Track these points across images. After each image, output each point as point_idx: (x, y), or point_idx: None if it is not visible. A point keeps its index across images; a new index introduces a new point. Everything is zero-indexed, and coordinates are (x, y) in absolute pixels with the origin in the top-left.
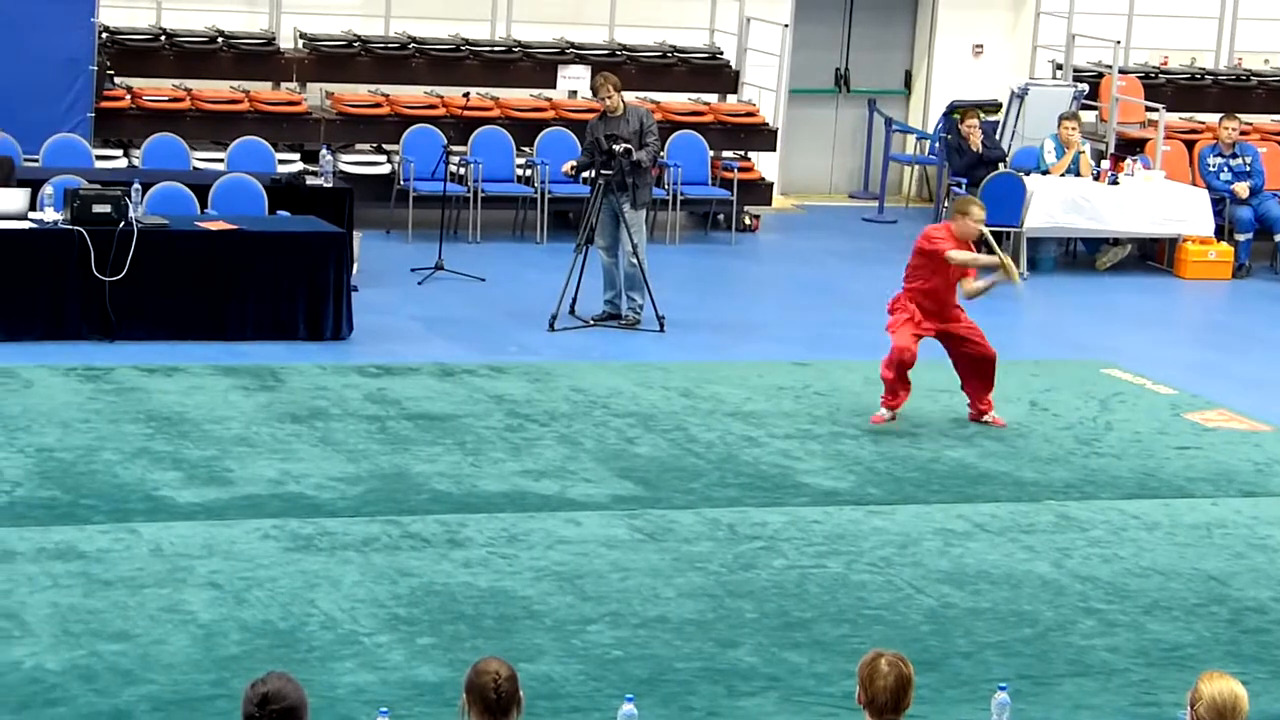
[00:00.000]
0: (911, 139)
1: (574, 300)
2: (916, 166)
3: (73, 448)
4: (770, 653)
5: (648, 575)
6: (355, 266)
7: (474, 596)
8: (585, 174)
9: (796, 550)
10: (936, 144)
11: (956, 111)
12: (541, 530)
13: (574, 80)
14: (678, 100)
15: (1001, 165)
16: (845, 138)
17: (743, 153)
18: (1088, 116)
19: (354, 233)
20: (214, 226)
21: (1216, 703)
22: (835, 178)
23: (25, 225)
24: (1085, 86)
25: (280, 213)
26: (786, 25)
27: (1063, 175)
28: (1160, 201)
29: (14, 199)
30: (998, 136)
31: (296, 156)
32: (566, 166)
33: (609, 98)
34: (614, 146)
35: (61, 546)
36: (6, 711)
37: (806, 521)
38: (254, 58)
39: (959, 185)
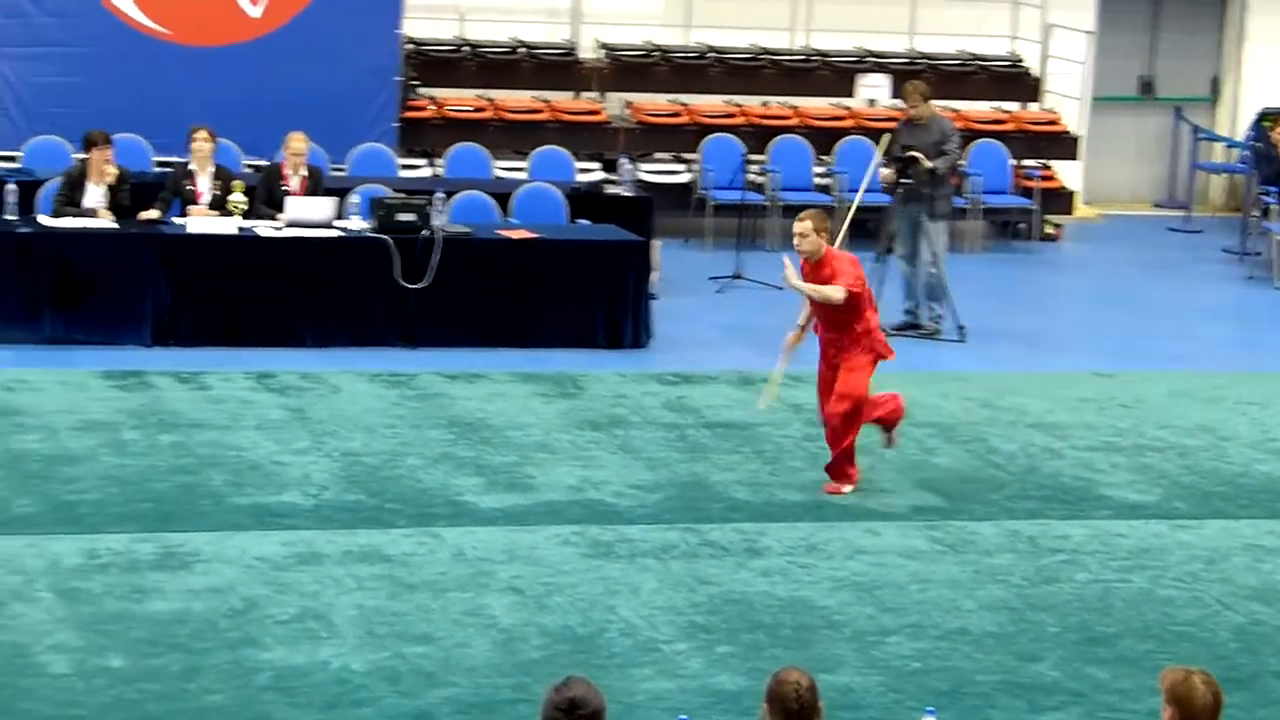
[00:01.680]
0: (1219, 147)
1: None
2: (1224, 175)
3: (377, 452)
4: (1073, 668)
5: (948, 587)
6: (654, 275)
7: (772, 605)
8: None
9: (1100, 564)
10: (1246, 152)
11: (1267, 119)
12: (840, 540)
13: (873, 89)
14: (978, 108)
15: None
16: (1149, 146)
17: (1044, 161)
18: None
19: (653, 241)
20: (515, 235)
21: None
22: (1139, 186)
23: (332, 233)
24: None
25: (580, 221)
26: (1090, 32)
27: None
28: None
29: (321, 207)
30: None
31: (596, 165)
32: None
33: (915, 106)
34: (903, 155)
35: (367, 549)
36: (314, 711)
37: (1110, 535)
38: (555, 68)
39: (1267, 194)
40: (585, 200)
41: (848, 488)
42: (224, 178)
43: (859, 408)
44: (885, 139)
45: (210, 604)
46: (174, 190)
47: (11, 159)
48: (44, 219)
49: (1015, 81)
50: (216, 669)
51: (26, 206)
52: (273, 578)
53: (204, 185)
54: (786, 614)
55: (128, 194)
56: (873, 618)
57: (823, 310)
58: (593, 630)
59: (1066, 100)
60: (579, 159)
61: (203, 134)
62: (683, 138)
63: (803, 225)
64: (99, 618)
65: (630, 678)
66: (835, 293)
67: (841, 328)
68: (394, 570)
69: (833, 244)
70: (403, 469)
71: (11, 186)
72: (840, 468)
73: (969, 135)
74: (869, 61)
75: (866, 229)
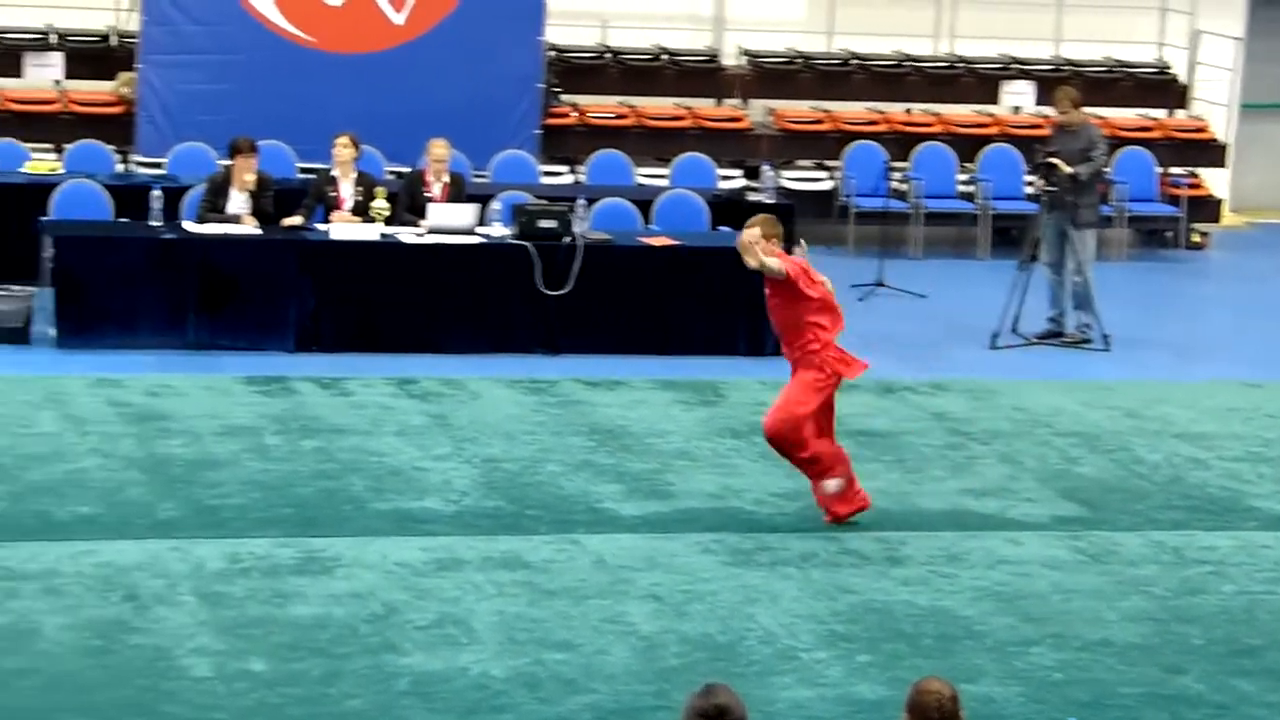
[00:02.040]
0: None
1: (1017, 317)
2: None
3: (518, 459)
4: (1218, 680)
5: (1091, 597)
6: None
7: (913, 615)
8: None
9: (1246, 576)
10: None
11: None
12: (982, 549)
13: (1018, 96)
14: (1125, 116)
15: None
16: None
17: (1191, 169)
18: None
19: (795, 248)
20: (656, 242)
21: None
22: None
23: (474, 240)
24: None
25: (722, 228)
26: (1239, 38)
27: None
28: None
29: (463, 214)
30: None
31: (738, 172)
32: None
33: (1065, 112)
34: (1044, 161)
35: (507, 556)
36: (454, 716)
37: (1256, 546)
38: (697, 74)
39: None
40: (727, 207)
41: (845, 510)
42: (367, 184)
43: (794, 426)
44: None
45: (351, 609)
46: (317, 197)
47: (157, 165)
48: (189, 225)
49: (1162, 88)
50: (356, 674)
51: (172, 212)
52: (413, 583)
53: (347, 191)
54: (927, 623)
55: (271, 200)
56: (1014, 628)
57: (774, 311)
58: (732, 638)
59: (1214, 107)
60: (721, 166)
61: (345, 141)
62: (825, 145)
63: (750, 232)
64: (241, 621)
65: (770, 686)
66: (774, 263)
67: (789, 330)
68: (534, 577)
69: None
70: (543, 475)
71: (157, 193)
72: (819, 490)
73: (1115, 143)
74: (1014, 69)
75: (1011, 236)
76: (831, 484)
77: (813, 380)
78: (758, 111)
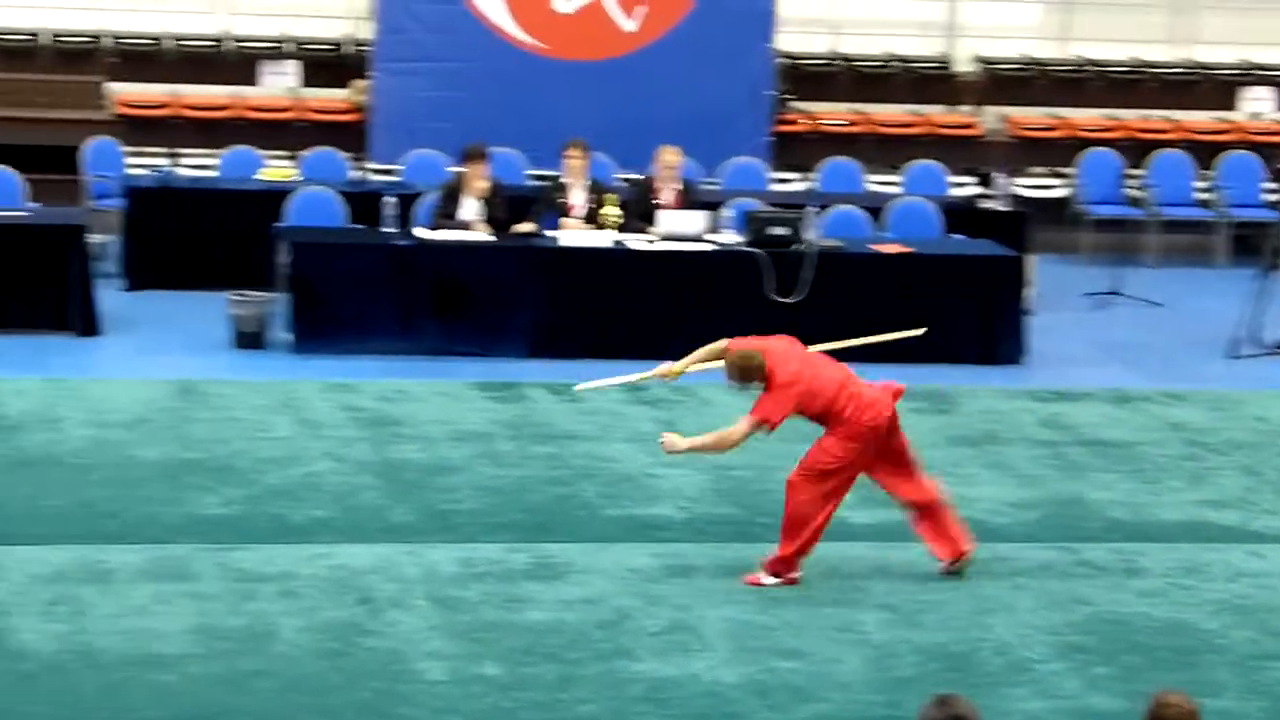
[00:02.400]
0: None
1: (1257, 326)
2: None
3: (748, 466)
4: None
5: None
6: (1029, 290)
7: (1151, 627)
8: None
9: None
10: None
11: None
12: (1222, 562)
13: (1258, 102)
14: None
15: None
16: None
17: None
18: None
19: (1028, 256)
20: (888, 249)
21: None
22: None
23: (704, 247)
24: None
25: (955, 236)
26: None
27: None
28: None
29: (694, 221)
30: None
31: (971, 179)
32: None
33: None
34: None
35: (738, 563)
36: None
37: None
38: (929, 81)
39: None
40: (960, 214)
41: (770, 580)
42: (597, 191)
43: (805, 483)
44: None
45: (583, 614)
46: (548, 204)
47: (391, 172)
48: (422, 232)
49: None
50: (590, 679)
51: (405, 219)
52: (644, 589)
53: (578, 199)
54: (1165, 636)
55: (502, 207)
56: (1256, 642)
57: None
58: (966, 648)
59: None
60: (953, 173)
61: (577, 149)
62: (1059, 151)
63: (729, 380)
64: (474, 626)
65: (1004, 697)
66: (739, 433)
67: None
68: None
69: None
70: (773, 483)
71: (391, 200)
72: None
73: None
74: (1253, 74)
75: (1250, 244)
76: (770, 581)
77: (832, 443)
78: (991, 118)
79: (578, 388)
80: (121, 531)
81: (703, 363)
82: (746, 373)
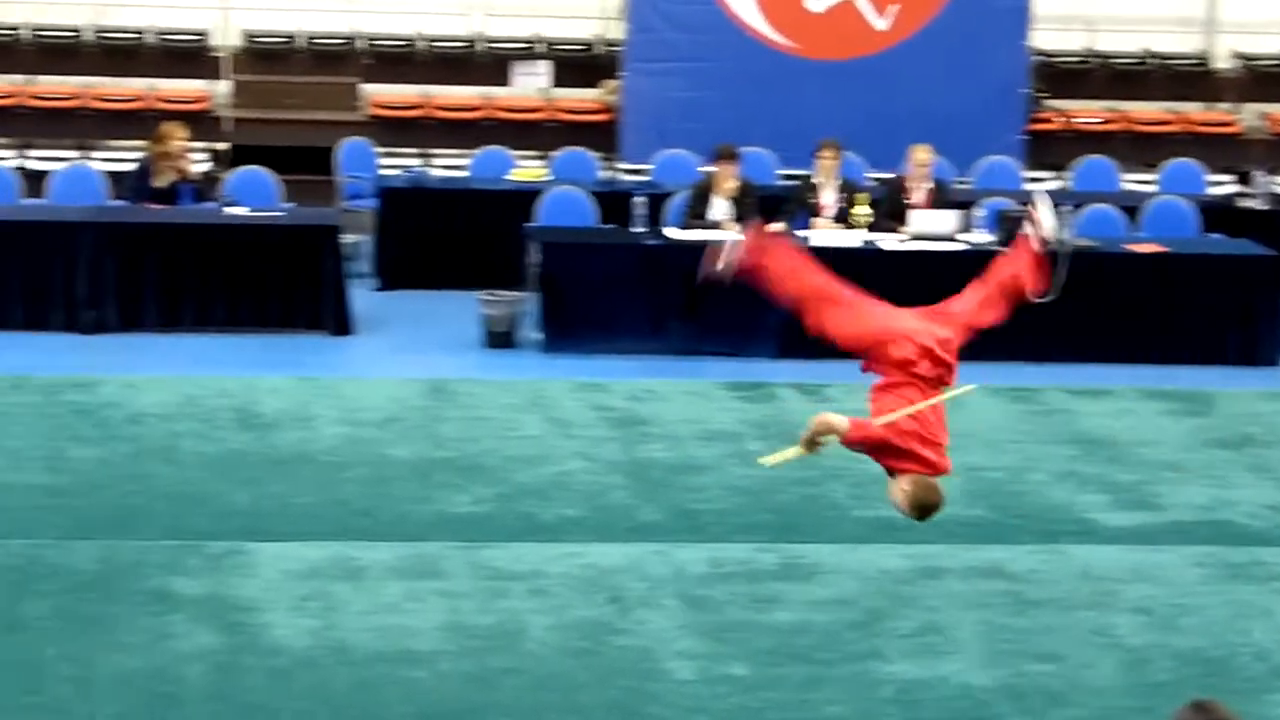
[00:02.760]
0: None
1: None
2: None
3: (1001, 468)
4: None
5: None
6: None
7: None
8: None
9: None
10: None
11: None
12: None
13: None
14: None
15: None
16: None
17: None
18: None
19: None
20: (1144, 249)
21: None
22: None
23: (956, 247)
24: None
25: (1212, 235)
26: None
27: None
28: None
29: (945, 220)
30: None
31: (1229, 178)
32: None
33: None
34: None
35: (989, 565)
36: None
37: None
38: (1187, 78)
39: None
40: (1217, 213)
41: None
42: (848, 190)
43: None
44: None
45: (833, 615)
46: (799, 203)
47: (641, 172)
48: (671, 231)
49: None
50: (838, 680)
51: (655, 219)
52: (894, 591)
53: (828, 199)
54: None
55: (753, 207)
56: None
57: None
58: (1225, 653)
59: None
60: (1211, 171)
61: (829, 149)
62: None
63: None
64: (723, 626)
65: (1264, 704)
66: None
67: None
68: (1017, 586)
69: None
70: (1027, 485)
71: (640, 199)
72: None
73: None
74: None
75: None
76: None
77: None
78: (1250, 116)
79: (762, 460)
80: (373, 529)
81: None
82: (927, 511)
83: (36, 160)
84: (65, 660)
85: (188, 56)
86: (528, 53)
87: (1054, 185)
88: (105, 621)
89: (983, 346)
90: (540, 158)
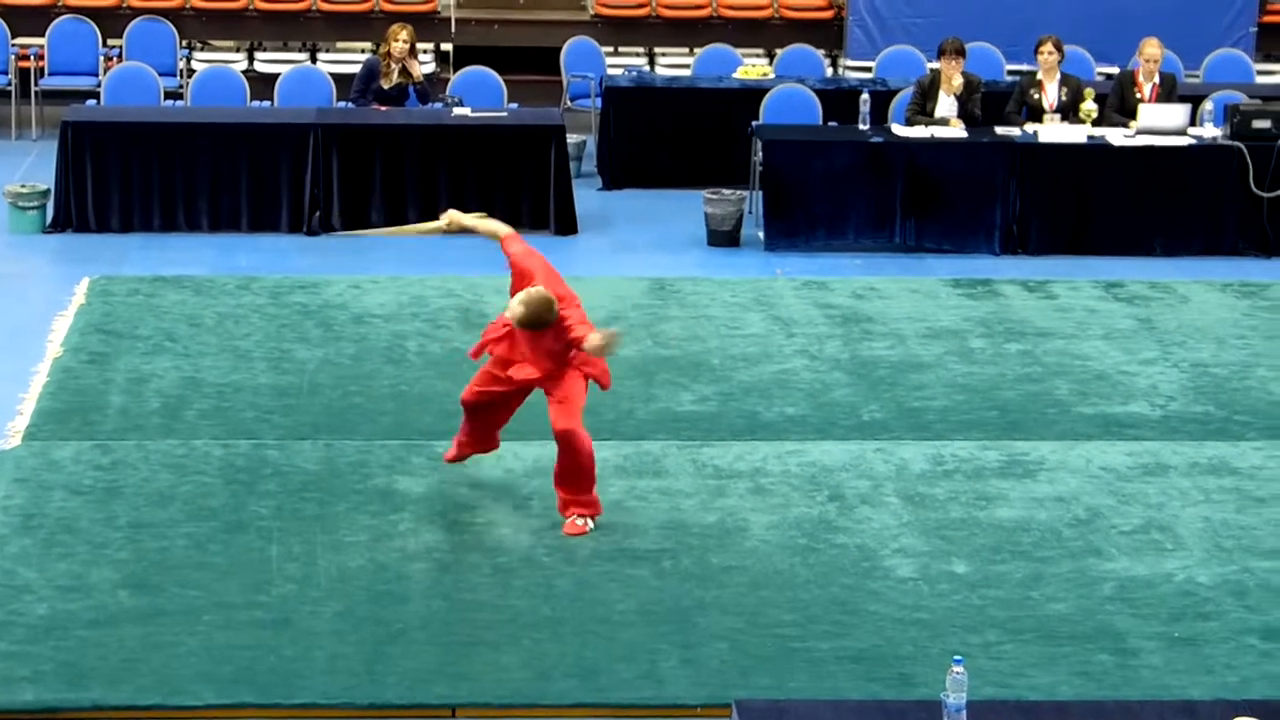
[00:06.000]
0: None
1: None
2: None
3: (1227, 364)
4: None
5: None
6: None
7: None
8: None
9: None
10: None
11: None
12: None
13: None
14: None
15: None
16: None
17: None
18: None
19: None
20: None
21: None
22: None
23: (1185, 141)
24: None
25: None
26: None
27: None
28: None
29: (1174, 115)
30: None
31: None
32: None
33: None
34: None
35: (1214, 462)
36: (1158, 622)
37: None
38: None
39: None
40: None
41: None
42: (1073, 86)
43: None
44: None
45: (1054, 513)
46: (1020, 99)
47: (866, 69)
48: (896, 128)
49: None
50: (1059, 577)
51: (880, 116)
52: (1117, 488)
53: (1051, 94)
54: None
55: (979, 103)
56: None
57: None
58: None
59: None
60: None
61: (1049, 46)
62: None
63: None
64: (944, 523)
65: None
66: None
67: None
68: (1242, 483)
69: None
70: (1253, 380)
71: (865, 96)
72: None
73: None
74: None
75: None
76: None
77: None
78: None
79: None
80: (597, 428)
81: (483, 232)
82: (541, 322)
83: (264, 63)
84: (289, 559)
85: None
86: None
87: None
88: (328, 521)
89: (1209, 241)
90: (765, 56)
